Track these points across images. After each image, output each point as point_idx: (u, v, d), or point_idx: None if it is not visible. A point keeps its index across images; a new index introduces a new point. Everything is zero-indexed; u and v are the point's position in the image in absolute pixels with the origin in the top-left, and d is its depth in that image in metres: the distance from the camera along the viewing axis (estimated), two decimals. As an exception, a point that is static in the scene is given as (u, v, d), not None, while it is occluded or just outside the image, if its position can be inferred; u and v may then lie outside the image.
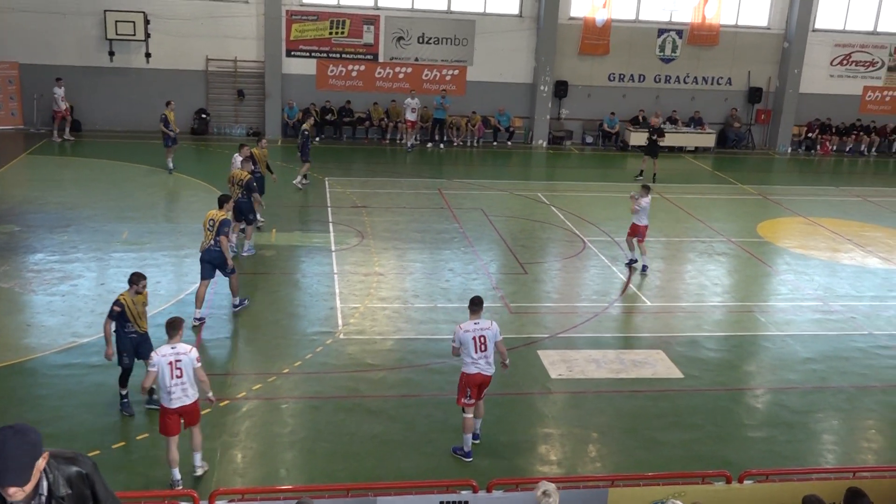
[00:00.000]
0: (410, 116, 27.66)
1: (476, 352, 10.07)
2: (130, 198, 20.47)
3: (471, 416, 10.33)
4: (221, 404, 11.14)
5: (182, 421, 9.35)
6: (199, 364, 9.32)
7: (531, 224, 20.22)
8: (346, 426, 10.85)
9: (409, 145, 27.85)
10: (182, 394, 9.22)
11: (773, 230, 20.90)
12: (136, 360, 10.85)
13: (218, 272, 13.84)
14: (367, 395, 11.66)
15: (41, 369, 12.02)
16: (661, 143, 25.71)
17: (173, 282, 15.38)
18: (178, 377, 9.11)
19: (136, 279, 10.77)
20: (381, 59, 28.88)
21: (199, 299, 13.61)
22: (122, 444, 10.22)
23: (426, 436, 10.72)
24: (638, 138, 29.68)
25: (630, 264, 17.18)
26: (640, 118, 29.98)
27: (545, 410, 11.69)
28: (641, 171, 25.39)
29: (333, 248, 17.53)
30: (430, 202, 21.41)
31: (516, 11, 29.21)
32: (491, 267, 17.05)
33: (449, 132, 29.00)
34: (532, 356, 12.94)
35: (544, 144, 29.86)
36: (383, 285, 15.71)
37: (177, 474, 9.30)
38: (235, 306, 14.25)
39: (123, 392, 10.89)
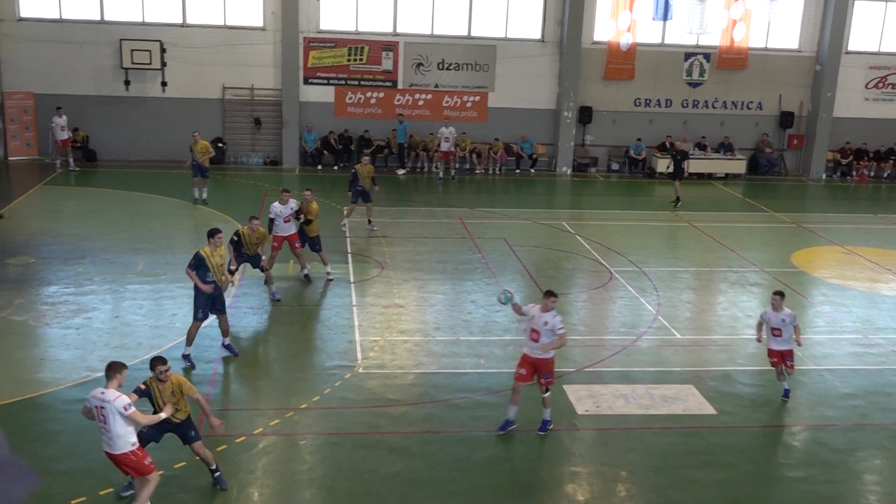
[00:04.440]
0: (444, 146, 26.86)
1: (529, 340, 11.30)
2: (146, 228, 20.25)
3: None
4: (237, 441, 10.79)
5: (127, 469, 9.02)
6: (130, 411, 8.68)
7: (556, 254, 19.78)
8: (367, 463, 10.53)
9: (441, 176, 27.17)
10: (106, 440, 8.85)
11: (808, 260, 20.31)
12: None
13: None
14: (387, 432, 11.32)
15: (55, 404, 11.74)
16: (685, 167, 25.23)
17: (189, 314, 15.01)
18: (102, 423, 8.77)
19: (153, 365, 9.55)
20: (400, 86, 28.71)
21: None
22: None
23: (450, 474, 10.38)
24: (665, 165, 29.24)
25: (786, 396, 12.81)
26: (668, 144, 29.51)
27: (571, 448, 11.29)
28: (678, 199, 24.90)
29: (352, 279, 17.18)
30: (452, 232, 21.04)
31: (538, 36, 28.99)
32: (515, 298, 16.52)
33: (459, 162, 28.67)
34: (558, 391, 12.49)
35: (569, 172, 29.48)
36: (404, 318, 15.33)
37: None
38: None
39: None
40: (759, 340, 12.74)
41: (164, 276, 16.64)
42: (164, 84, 27.27)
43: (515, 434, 11.40)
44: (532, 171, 29.26)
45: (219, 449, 10.63)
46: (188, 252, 18.00)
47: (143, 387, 9.48)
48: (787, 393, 12.59)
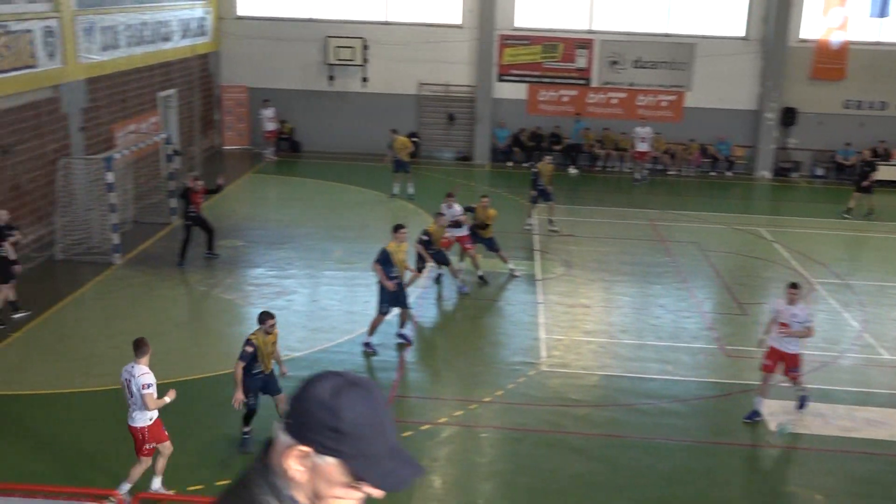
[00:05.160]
0: (641, 147, 26.41)
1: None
2: (344, 218, 21.12)
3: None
4: (422, 428, 11.09)
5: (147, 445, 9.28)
6: (148, 390, 9.00)
7: (751, 261, 18.89)
8: (548, 462, 10.52)
9: (637, 177, 26.71)
10: (129, 413, 9.20)
11: None
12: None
13: None
14: (569, 432, 11.27)
15: (256, 380, 12.49)
16: (870, 178, 23.02)
17: (381, 302, 15.63)
18: (129, 396, 9.14)
19: (263, 318, 10.42)
20: (593, 84, 28.37)
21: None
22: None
23: (632, 480, 10.21)
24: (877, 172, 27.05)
25: None
26: (882, 150, 27.29)
27: (762, 465, 10.83)
28: (850, 209, 22.90)
29: (538, 276, 17.19)
30: (641, 233, 20.56)
31: (742, 34, 27.77)
32: (705, 305, 16.06)
33: (652, 163, 27.94)
34: (749, 404, 11.98)
35: (768, 176, 28.04)
36: (589, 318, 15.19)
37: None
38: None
39: (246, 430, 10.62)
40: None
41: (358, 265, 17.29)
42: (364, 80, 28.34)
43: (702, 446, 11.05)
44: (728, 173, 28.08)
45: (404, 434, 10.96)
46: (382, 242, 18.71)
47: (249, 350, 10.10)
48: None
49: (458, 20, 28.03)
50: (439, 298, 16.13)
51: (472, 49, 28.01)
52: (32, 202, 17.27)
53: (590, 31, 27.98)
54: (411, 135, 28.38)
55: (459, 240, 16.47)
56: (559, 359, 13.42)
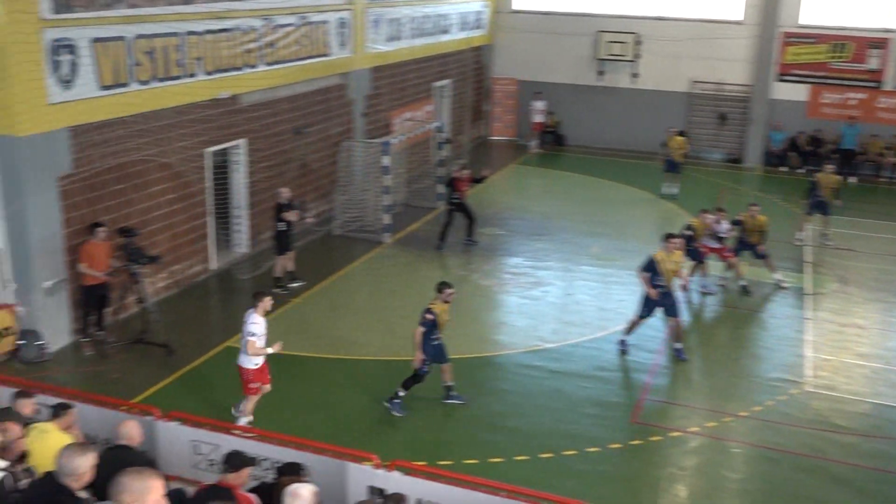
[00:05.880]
0: None
1: None
2: (604, 214, 20.95)
3: None
4: (672, 434, 10.84)
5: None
6: (251, 338, 10.01)
7: None
8: (805, 488, 9.91)
9: None
10: (239, 354, 10.28)
11: None
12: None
13: None
14: (832, 459, 10.52)
15: (508, 366, 12.82)
16: None
17: (635, 303, 15.35)
18: (241, 339, 10.27)
19: (442, 287, 11.23)
20: (886, 88, 26.02)
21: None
22: (574, 452, 10.41)
23: (904, 523, 9.33)
24: None
25: None
26: None
27: None
28: None
29: (809, 290, 16.10)
30: (932, 253, 18.61)
31: None
32: None
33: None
34: None
35: None
36: (863, 340, 14.02)
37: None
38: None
39: (402, 393, 11.14)
40: None
41: (615, 262, 17.12)
42: (634, 75, 27.89)
43: None
44: None
45: (652, 438, 10.77)
46: (642, 242, 18.32)
47: (430, 317, 10.88)
48: None
49: (738, 16, 26.80)
50: (701, 304, 15.63)
51: (751, 46, 26.69)
52: (317, 180, 18.76)
53: (885, 30, 25.70)
54: (680, 133, 27.60)
55: (717, 251, 15.84)
56: (826, 380, 12.54)
